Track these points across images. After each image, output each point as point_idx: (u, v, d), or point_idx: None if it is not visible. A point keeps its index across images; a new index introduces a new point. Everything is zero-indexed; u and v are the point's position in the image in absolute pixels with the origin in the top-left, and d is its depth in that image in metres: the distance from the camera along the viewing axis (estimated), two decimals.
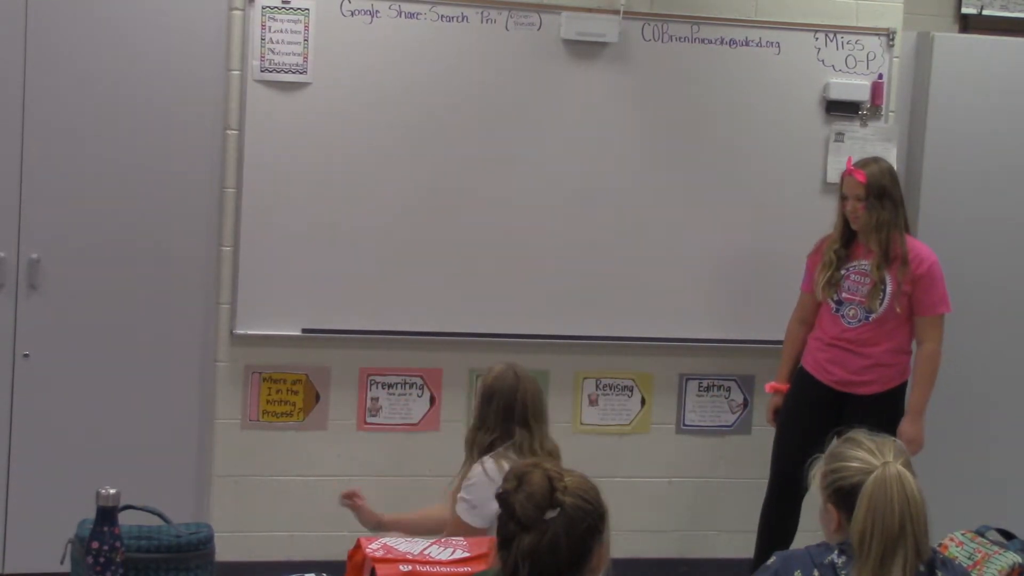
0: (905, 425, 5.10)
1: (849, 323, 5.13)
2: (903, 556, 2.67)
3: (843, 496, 2.78)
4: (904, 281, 5.02)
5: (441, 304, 5.47)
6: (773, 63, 5.64)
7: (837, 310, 5.15)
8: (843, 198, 5.13)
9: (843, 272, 5.13)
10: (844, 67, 5.69)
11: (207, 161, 5.28)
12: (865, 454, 2.77)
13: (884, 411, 5.08)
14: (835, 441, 2.92)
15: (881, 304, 5.05)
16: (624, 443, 5.77)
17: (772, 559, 2.85)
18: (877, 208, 5.03)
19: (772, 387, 5.43)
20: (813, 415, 5.17)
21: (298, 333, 5.37)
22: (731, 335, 5.74)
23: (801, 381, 5.31)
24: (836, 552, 2.77)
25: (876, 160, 5.17)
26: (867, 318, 5.09)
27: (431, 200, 5.42)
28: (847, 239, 5.16)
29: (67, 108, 5.16)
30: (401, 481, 5.57)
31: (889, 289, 5.04)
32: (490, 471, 4.11)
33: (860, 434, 2.86)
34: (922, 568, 2.74)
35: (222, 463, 5.41)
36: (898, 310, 5.05)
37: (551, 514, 2.52)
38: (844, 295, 5.13)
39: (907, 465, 2.76)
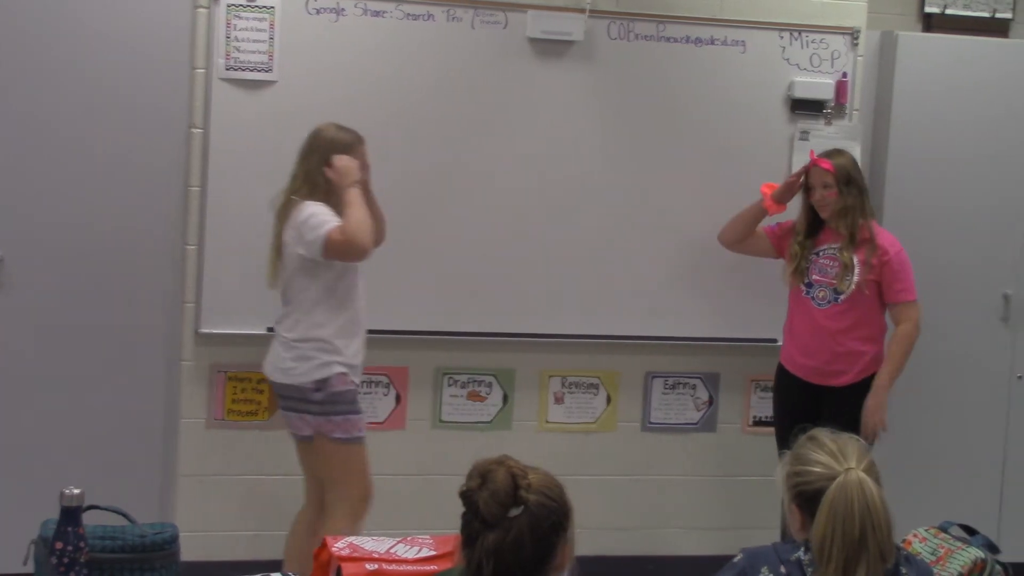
0: (868, 399, 5.18)
1: (819, 304, 5.23)
2: (866, 563, 2.67)
3: (806, 500, 2.78)
4: (872, 262, 5.14)
5: (407, 303, 5.47)
6: (738, 62, 5.66)
7: (807, 292, 5.26)
8: (809, 189, 5.25)
9: (812, 256, 5.25)
10: (809, 66, 5.71)
11: (172, 159, 5.26)
12: (827, 458, 2.76)
13: (858, 402, 5.17)
14: (799, 439, 2.92)
15: (849, 285, 5.15)
16: (590, 441, 5.78)
17: (738, 556, 2.85)
18: (845, 194, 5.16)
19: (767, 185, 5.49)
20: (795, 411, 5.26)
21: (263, 332, 5.33)
22: (696, 333, 5.76)
23: (780, 377, 5.42)
24: (803, 549, 2.77)
25: (840, 151, 5.31)
26: (836, 299, 5.19)
27: (395, 198, 5.40)
28: (812, 230, 5.28)
29: (29, 106, 5.13)
30: None
31: (857, 271, 5.14)
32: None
33: (823, 434, 2.85)
34: (888, 567, 2.75)
35: (187, 462, 5.39)
36: (866, 292, 5.15)
37: (515, 512, 2.52)
38: (814, 277, 5.24)
39: (870, 468, 2.75)
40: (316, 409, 4.63)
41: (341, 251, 4.53)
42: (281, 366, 4.68)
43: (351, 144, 4.72)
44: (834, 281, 5.18)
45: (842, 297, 5.18)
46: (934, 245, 5.86)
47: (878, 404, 5.18)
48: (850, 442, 2.81)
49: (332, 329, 4.63)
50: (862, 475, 2.71)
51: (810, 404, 5.24)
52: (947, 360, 5.94)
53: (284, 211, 4.68)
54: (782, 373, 5.41)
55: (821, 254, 5.25)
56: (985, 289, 5.99)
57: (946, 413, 5.88)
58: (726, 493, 5.91)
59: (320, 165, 4.66)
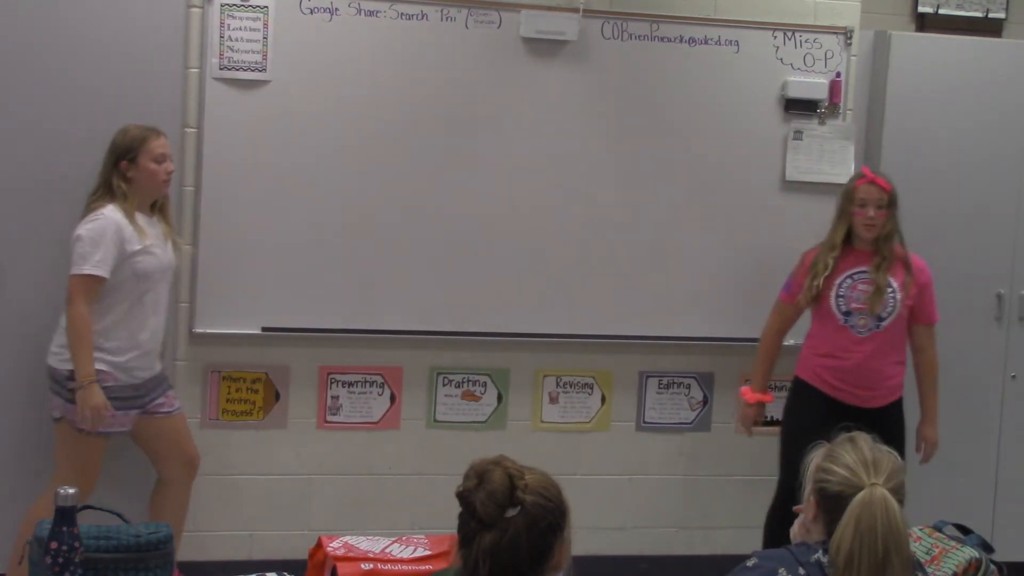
0: (928, 430, 5.38)
1: (859, 332, 5.15)
2: None
3: (824, 498, 2.78)
4: (911, 288, 5.15)
5: (401, 302, 5.47)
6: (732, 61, 5.66)
7: (846, 321, 5.16)
8: (860, 205, 5.13)
9: (850, 281, 5.15)
10: (802, 65, 5.72)
11: None
12: (858, 465, 2.74)
13: (890, 423, 5.14)
14: (840, 437, 2.88)
15: (892, 310, 5.12)
16: (584, 441, 5.78)
17: (753, 560, 2.82)
18: (893, 217, 5.16)
19: (756, 398, 5.41)
20: (820, 428, 5.04)
21: (258, 332, 5.35)
22: (690, 333, 5.76)
23: (803, 393, 5.30)
24: (821, 551, 2.75)
25: (880, 172, 5.29)
26: (878, 326, 5.14)
27: (390, 198, 5.41)
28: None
29: (22, 107, 5.11)
30: (361, 480, 5.56)
31: (899, 295, 5.13)
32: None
33: (864, 439, 2.83)
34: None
35: None
36: (905, 317, 5.17)
37: (512, 512, 2.52)
38: (853, 305, 5.15)
39: (897, 489, 2.73)
40: (68, 396, 4.74)
41: (67, 293, 4.70)
42: (51, 348, 4.82)
43: (143, 140, 4.83)
44: (865, 305, 5.12)
45: (884, 324, 5.13)
46: (928, 245, 5.84)
47: (936, 434, 5.42)
48: (887, 457, 2.79)
49: (98, 329, 4.73)
50: (886, 493, 2.69)
51: (834, 422, 5.10)
52: (941, 359, 5.91)
53: (87, 207, 4.81)
54: (806, 389, 5.27)
55: (859, 279, 5.16)
56: (979, 289, 6.00)
57: (940, 412, 5.87)
58: (720, 493, 5.92)
59: (114, 167, 4.82)
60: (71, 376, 4.70)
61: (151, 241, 4.80)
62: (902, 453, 5.00)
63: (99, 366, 4.70)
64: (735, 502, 5.91)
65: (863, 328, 5.15)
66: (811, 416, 5.17)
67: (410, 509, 5.56)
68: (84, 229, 4.72)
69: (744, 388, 5.46)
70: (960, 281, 5.89)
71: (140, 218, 4.81)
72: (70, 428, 4.76)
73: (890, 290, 5.12)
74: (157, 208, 4.93)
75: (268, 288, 5.33)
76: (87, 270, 4.67)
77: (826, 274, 5.15)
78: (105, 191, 4.79)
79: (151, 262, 4.79)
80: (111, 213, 4.73)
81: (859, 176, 5.24)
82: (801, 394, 5.30)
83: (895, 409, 5.25)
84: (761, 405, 5.46)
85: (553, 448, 5.64)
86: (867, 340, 5.15)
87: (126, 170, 4.78)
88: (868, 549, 2.66)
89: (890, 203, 5.14)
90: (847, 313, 5.16)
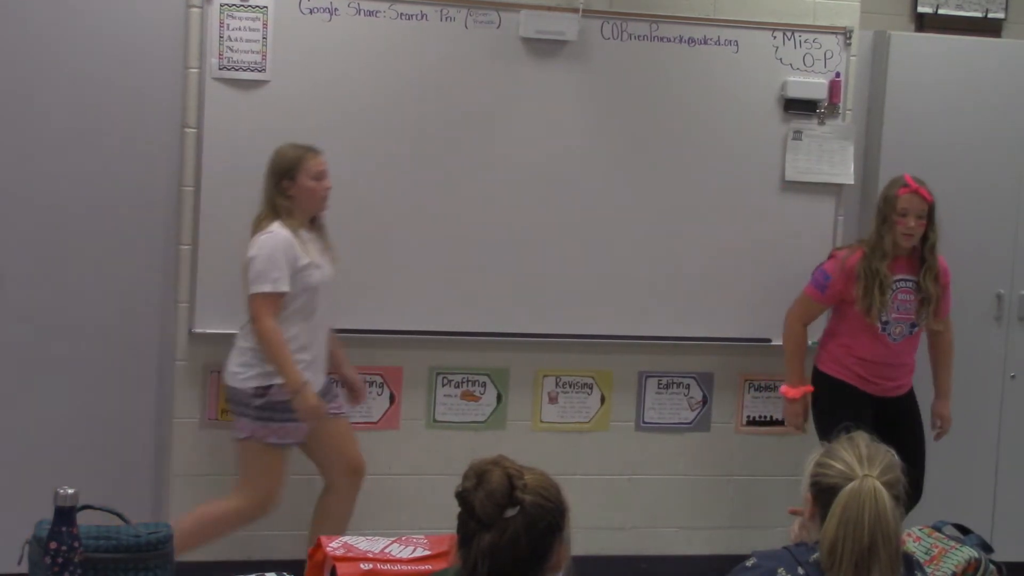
0: (943, 407, 5.56)
1: (894, 339, 5.30)
2: (878, 571, 2.66)
3: (820, 491, 2.79)
4: (938, 291, 5.29)
5: (401, 302, 5.47)
6: (731, 61, 5.66)
7: (884, 329, 5.27)
8: (901, 215, 5.20)
9: (889, 291, 5.26)
10: (802, 65, 5.72)
11: (165, 159, 5.25)
12: (853, 459, 2.75)
13: (912, 407, 5.43)
14: (840, 437, 2.90)
15: (926, 318, 5.30)
16: (584, 440, 5.78)
17: (752, 560, 2.82)
18: (935, 227, 5.27)
19: (800, 392, 5.44)
20: (858, 418, 5.14)
21: None
22: (690, 333, 5.76)
23: (837, 388, 5.40)
24: (819, 552, 2.76)
25: (922, 181, 5.30)
26: (910, 332, 5.32)
27: (389, 198, 5.41)
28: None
29: (22, 106, 5.12)
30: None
31: (931, 303, 5.27)
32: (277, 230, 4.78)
33: (862, 437, 2.84)
34: (902, 569, 2.75)
35: (181, 462, 5.38)
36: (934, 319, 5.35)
37: (511, 512, 2.52)
38: (893, 315, 5.27)
39: (893, 483, 2.74)
40: (254, 414, 4.81)
41: (251, 313, 4.78)
42: (229, 369, 4.90)
43: (300, 159, 4.87)
44: (912, 316, 5.29)
45: (916, 329, 5.33)
46: None
47: (950, 412, 5.59)
48: (883, 453, 2.80)
49: None
50: (878, 484, 2.70)
51: (867, 410, 5.31)
52: None
53: (255, 228, 4.87)
54: (839, 385, 5.38)
55: (899, 288, 5.28)
56: (978, 289, 6.00)
57: None
58: (719, 493, 5.92)
59: (276, 187, 4.87)
60: (257, 393, 4.78)
61: (315, 256, 4.87)
62: (921, 432, 5.40)
63: (279, 380, 4.77)
64: (734, 502, 5.91)
65: (898, 336, 5.30)
66: (851, 408, 5.26)
67: (410, 509, 5.55)
68: (257, 248, 4.78)
69: (783, 387, 5.49)
70: (960, 281, 5.86)
71: (303, 234, 4.87)
72: (259, 445, 4.83)
73: (929, 301, 5.28)
74: (317, 225, 4.99)
75: None
76: (267, 288, 4.74)
77: (882, 296, 5.19)
78: (270, 210, 4.85)
79: (318, 275, 4.87)
80: (279, 229, 4.80)
81: (902, 184, 5.25)
82: (836, 389, 5.39)
83: (912, 394, 5.45)
84: (805, 397, 5.47)
85: (553, 448, 5.64)
86: (901, 344, 5.31)
87: (287, 189, 4.84)
88: (853, 537, 2.66)
89: (932, 213, 5.23)
90: (886, 322, 5.27)
